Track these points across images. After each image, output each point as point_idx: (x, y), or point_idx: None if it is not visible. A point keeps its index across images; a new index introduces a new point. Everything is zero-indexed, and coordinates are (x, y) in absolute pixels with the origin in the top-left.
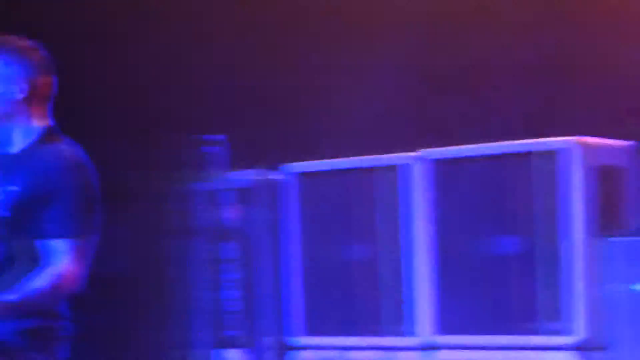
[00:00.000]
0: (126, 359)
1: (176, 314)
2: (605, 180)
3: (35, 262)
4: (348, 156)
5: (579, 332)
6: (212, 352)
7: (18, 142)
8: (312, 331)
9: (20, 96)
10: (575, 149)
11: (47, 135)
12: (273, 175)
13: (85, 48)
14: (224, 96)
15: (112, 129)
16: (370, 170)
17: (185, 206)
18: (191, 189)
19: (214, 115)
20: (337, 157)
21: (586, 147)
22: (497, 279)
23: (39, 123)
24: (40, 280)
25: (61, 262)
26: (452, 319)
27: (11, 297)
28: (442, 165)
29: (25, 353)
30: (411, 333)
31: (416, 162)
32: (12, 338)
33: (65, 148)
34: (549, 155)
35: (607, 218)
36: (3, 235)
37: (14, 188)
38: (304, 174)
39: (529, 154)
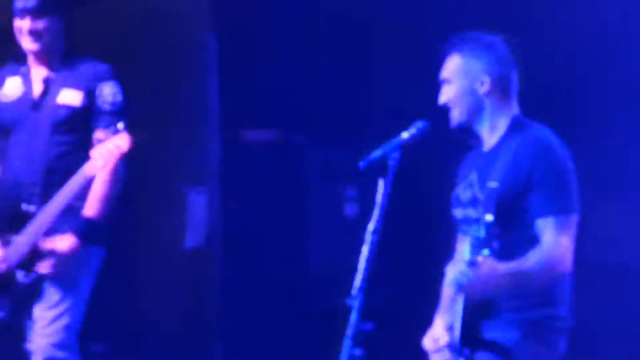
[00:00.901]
0: None
1: None
2: None
3: (529, 245)
4: None
5: None
6: None
7: (488, 138)
8: None
9: (484, 90)
10: None
11: (514, 126)
12: None
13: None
14: None
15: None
16: None
17: None
18: None
19: None
20: None
21: None
22: None
23: (505, 115)
24: (531, 257)
25: (551, 240)
26: None
27: (505, 267)
28: None
29: (523, 346)
30: None
31: None
32: (509, 329)
33: (534, 133)
34: None
35: None
36: (495, 233)
37: (495, 184)
38: None
39: None
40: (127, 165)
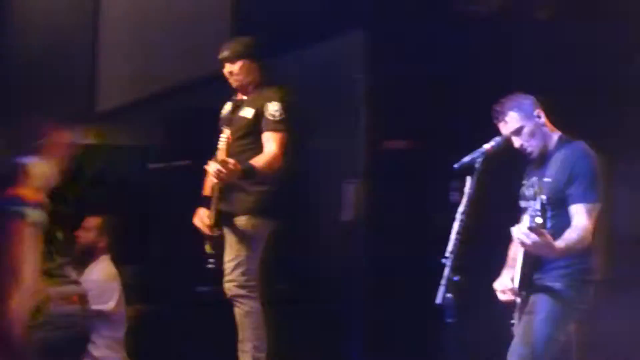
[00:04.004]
0: None
1: None
2: None
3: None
4: None
5: None
6: None
7: (543, 147)
8: None
9: (540, 121)
10: None
11: (560, 142)
12: None
13: None
14: None
15: None
16: None
17: None
18: None
19: None
20: None
21: None
22: None
23: (552, 134)
24: (571, 234)
25: (580, 222)
26: None
27: (559, 244)
28: None
29: (564, 292)
30: None
31: None
32: (555, 281)
33: (576, 146)
34: None
35: None
36: (546, 212)
37: (548, 179)
38: None
39: None
40: (300, 162)
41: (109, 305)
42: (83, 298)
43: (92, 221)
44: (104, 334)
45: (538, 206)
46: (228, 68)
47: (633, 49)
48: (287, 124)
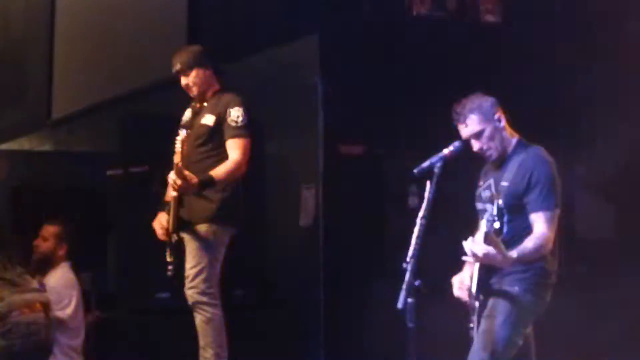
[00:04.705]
0: None
1: None
2: None
3: (527, 232)
4: None
5: None
6: None
7: (501, 151)
8: None
9: (501, 125)
10: None
11: (518, 145)
12: None
13: None
14: None
15: None
16: None
17: None
18: None
19: None
20: None
21: None
22: None
23: (511, 137)
24: (528, 243)
25: (540, 230)
26: None
27: (512, 254)
28: None
29: (522, 296)
30: None
31: None
32: (513, 285)
33: (534, 151)
34: None
35: None
36: (503, 216)
37: (505, 183)
38: None
39: None
40: (255, 167)
41: (66, 312)
42: (47, 306)
43: (51, 229)
44: (62, 341)
45: (495, 211)
46: (184, 80)
47: None
48: (250, 129)
